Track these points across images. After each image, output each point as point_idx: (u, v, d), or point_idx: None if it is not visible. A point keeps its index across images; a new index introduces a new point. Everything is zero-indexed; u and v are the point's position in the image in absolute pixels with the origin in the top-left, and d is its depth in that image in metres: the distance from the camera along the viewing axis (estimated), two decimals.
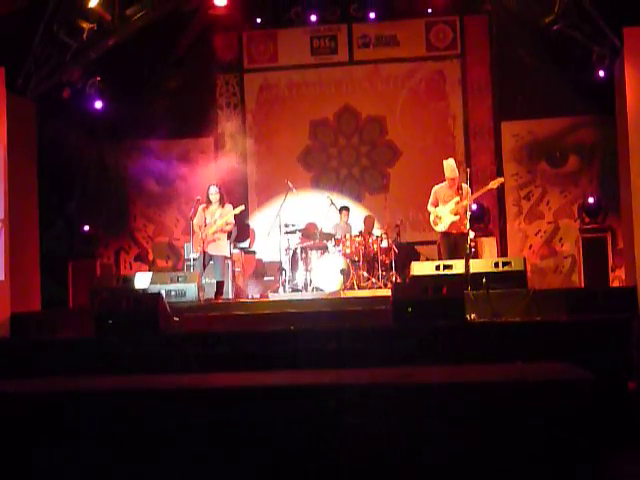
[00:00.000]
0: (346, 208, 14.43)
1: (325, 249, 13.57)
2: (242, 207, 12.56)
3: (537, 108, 14.89)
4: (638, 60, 11.39)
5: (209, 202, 12.37)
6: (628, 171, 11.51)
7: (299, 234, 13.98)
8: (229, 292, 13.30)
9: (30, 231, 12.55)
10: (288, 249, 13.79)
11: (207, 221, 12.24)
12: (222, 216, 12.25)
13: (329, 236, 13.78)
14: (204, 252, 12.23)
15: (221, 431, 4.95)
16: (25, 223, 12.37)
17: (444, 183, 11.94)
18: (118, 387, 5.50)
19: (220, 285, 12.32)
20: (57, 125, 13.66)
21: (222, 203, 12.40)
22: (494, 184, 11.89)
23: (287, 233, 13.85)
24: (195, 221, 12.42)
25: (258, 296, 13.28)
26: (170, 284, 11.55)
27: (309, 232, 14.08)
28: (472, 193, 11.70)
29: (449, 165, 11.87)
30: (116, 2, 12.49)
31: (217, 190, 12.45)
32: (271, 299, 12.65)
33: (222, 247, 12.43)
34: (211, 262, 12.36)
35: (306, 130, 16.08)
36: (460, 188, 11.76)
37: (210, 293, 12.25)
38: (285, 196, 13.90)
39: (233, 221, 12.42)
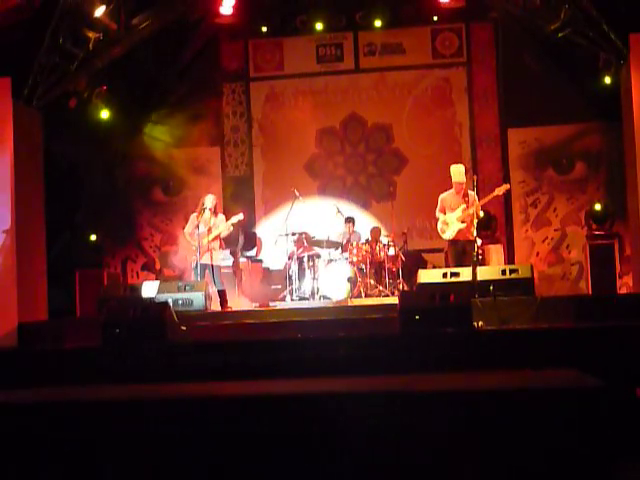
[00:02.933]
0: (351, 219, 14.38)
1: (319, 257, 13.59)
2: (241, 216, 12.53)
3: (543, 115, 14.88)
4: None
5: (202, 211, 12.35)
6: (635, 177, 11.49)
7: (293, 244, 13.95)
8: (235, 301, 13.29)
9: (37, 241, 12.56)
10: (295, 257, 13.77)
11: (200, 230, 12.23)
12: (216, 226, 12.27)
13: (336, 244, 13.79)
14: (204, 263, 12.26)
15: (228, 440, 4.94)
16: (32, 233, 12.38)
17: (450, 190, 11.92)
18: (125, 397, 5.49)
19: (222, 294, 12.31)
20: (63, 134, 13.68)
21: (215, 212, 12.43)
22: (500, 191, 11.86)
23: (293, 242, 13.85)
24: (186, 230, 12.44)
25: (264, 304, 13.24)
26: (177, 293, 11.53)
27: (302, 241, 14.00)
28: (478, 200, 11.66)
29: (458, 170, 11.85)
30: (122, 11, 12.51)
31: (214, 198, 12.47)
32: (278, 307, 12.63)
33: (217, 256, 12.43)
34: (207, 271, 12.36)
35: (312, 138, 16.08)
36: (466, 195, 11.73)
37: (215, 302, 12.25)
38: (292, 204, 13.90)
39: (228, 230, 12.45)
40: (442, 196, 11.99)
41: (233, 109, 16.28)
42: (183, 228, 12.79)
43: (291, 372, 7.62)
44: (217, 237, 12.32)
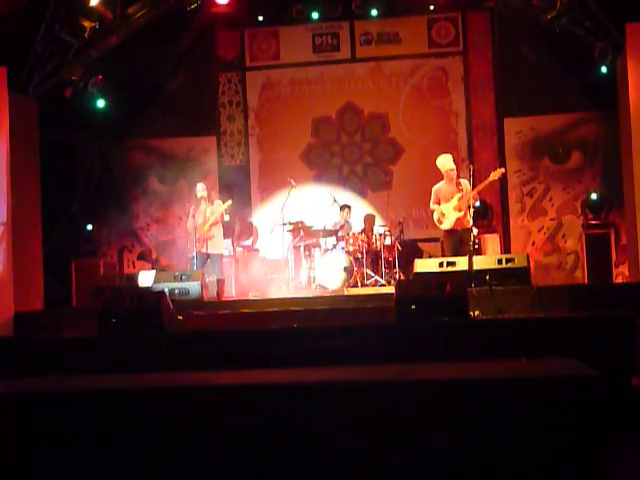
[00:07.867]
0: (347, 206, 14.42)
1: (316, 246, 13.59)
2: (229, 202, 12.65)
3: (540, 104, 14.88)
4: None
5: (198, 202, 12.47)
6: (631, 167, 11.50)
7: (290, 233, 13.94)
8: (232, 290, 13.31)
9: (33, 230, 12.57)
10: (291, 246, 13.77)
11: (199, 221, 12.31)
12: (213, 213, 12.39)
13: (332, 233, 13.78)
14: (203, 252, 12.32)
15: (224, 429, 4.95)
16: (28, 222, 12.39)
17: (442, 181, 11.93)
18: (121, 386, 5.50)
19: (220, 283, 12.34)
20: (59, 124, 13.65)
21: (210, 200, 12.51)
22: (495, 175, 11.82)
23: (289, 231, 13.85)
24: (188, 224, 12.56)
25: (260, 294, 13.25)
26: (174, 282, 11.54)
27: (298, 230, 14.00)
28: (472, 188, 11.63)
29: (444, 160, 11.89)
30: (117, 0, 12.51)
31: (204, 187, 12.58)
32: (274, 297, 12.63)
33: (218, 245, 12.52)
34: (209, 260, 12.41)
35: (308, 128, 16.06)
36: (459, 184, 11.75)
37: (212, 291, 12.26)
38: (288, 194, 13.90)
39: (221, 216, 12.53)
40: (436, 188, 11.99)
41: (229, 98, 16.24)
42: (180, 217, 12.86)
43: (287, 361, 7.63)
44: (213, 224, 12.38)
